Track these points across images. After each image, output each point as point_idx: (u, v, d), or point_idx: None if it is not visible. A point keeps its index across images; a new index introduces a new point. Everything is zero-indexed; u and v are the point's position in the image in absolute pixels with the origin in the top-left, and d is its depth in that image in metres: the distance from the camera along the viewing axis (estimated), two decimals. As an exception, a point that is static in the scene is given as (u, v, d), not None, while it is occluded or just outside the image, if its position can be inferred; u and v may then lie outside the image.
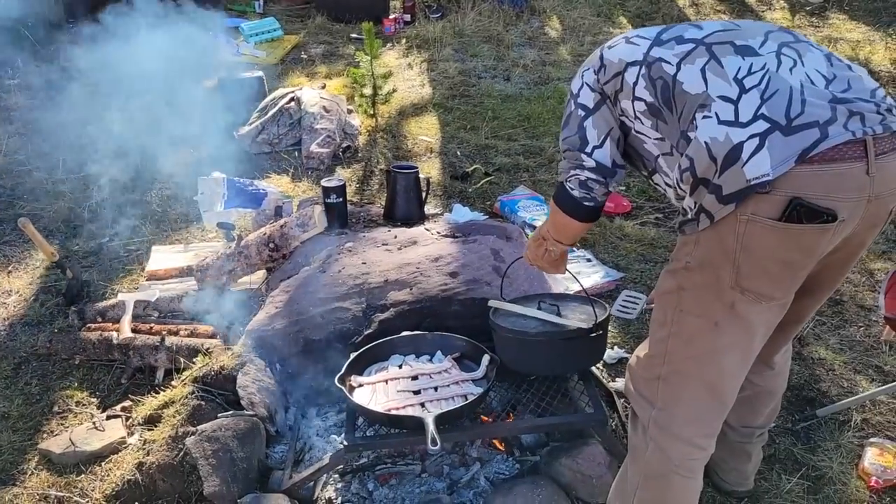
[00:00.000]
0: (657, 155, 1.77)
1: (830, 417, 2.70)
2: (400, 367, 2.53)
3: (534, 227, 3.73)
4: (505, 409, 2.55)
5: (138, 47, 4.06)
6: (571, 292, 2.99)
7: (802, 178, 1.48)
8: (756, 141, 1.49)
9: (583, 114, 1.81)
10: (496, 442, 2.54)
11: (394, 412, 2.29)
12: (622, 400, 2.69)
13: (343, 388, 2.34)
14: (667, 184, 1.78)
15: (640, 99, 1.71)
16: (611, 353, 2.97)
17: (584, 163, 1.80)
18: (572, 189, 1.85)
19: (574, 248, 3.52)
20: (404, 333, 2.64)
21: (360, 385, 2.43)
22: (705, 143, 1.54)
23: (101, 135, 4.74)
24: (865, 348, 3.07)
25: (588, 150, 1.80)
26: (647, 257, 3.69)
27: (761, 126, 1.49)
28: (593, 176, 1.80)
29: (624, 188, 4.33)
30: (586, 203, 1.85)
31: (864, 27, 6.99)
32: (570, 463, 2.36)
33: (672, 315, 1.73)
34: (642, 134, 1.76)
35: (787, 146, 1.47)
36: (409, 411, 2.30)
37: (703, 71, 1.59)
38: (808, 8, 7.45)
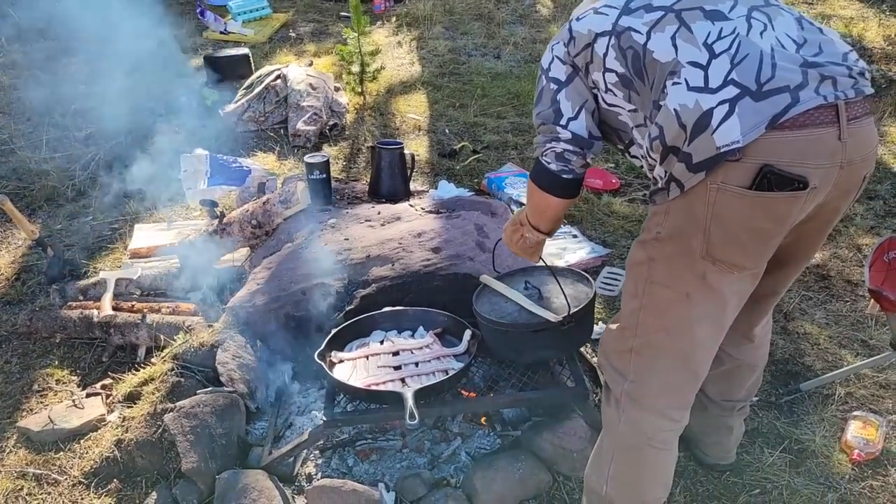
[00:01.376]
0: (632, 126, 1.73)
1: (814, 391, 2.70)
2: (381, 342, 2.53)
3: (520, 204, 3.71)
4: (487, 383, 2.54)
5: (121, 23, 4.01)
6: (566, 263, 2.94)
7: (773, 145, 1.45)
8: (726, 107, 1.45)
9: (555, 87, 1.77)
10: (478, 417, 2.53)
11: (373, 387, 2.28)
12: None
13: (322, 363, 2.33)
14: (642, 155, 1.75)
15: (612, 70, 1.67)
16: (595, 329, 2.94)
17: (559, 135, 1.76)
18: (549, 163, 1.80)
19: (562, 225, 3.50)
20: (386, 309, 2.63)
21: (341, 361, 2.43)
22: (674, 110, 1.51)
23: (85, 113, 4.71)
24: (851, 322, 3.05)
25: (563, 122, 1.76)
26: (634, 234, 3.67)
27: (731, 92, 1.46)
28: (570, 147, 1.76)
29: (613, 165, 4.30)
30: (564, 175, 1.80)
31: (857, 4, 6.93)
32: (552, 437, 2.35)
33: (643, 286, 1.71)
34: (616, 106, 1.73)
35: (758, 112, 1.44)
36: (389, 387, 2.29)
37: (673, 38, 1.55)
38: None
